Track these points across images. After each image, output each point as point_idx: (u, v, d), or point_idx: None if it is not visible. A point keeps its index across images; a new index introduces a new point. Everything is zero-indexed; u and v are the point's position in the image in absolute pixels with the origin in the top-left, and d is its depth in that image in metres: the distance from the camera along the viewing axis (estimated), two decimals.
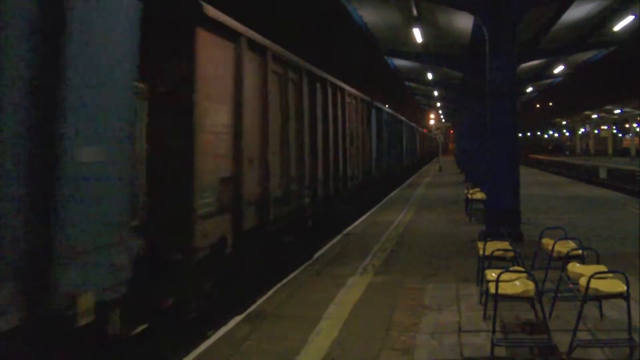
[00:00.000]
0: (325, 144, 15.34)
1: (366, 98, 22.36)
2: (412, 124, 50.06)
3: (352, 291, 9.37)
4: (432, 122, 76.47)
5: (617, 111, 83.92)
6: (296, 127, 12.68)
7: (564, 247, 8.23)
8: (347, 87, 18.46)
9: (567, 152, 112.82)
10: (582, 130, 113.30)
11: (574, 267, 7.15)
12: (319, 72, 14.61)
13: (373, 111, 24.23)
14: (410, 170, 45.27)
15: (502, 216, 13.12)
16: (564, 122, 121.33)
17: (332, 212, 16.31)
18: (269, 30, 12.31)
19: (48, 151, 4.77)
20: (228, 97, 8.91)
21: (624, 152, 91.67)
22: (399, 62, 31.20)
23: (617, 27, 20.80)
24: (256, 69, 10.18)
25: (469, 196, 18.17)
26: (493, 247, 8.47)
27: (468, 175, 33.29)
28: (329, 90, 15.78)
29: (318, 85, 14.68)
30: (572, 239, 8.58)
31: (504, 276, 6.51)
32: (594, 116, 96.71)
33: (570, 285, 6.97)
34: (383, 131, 26.98)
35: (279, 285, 9.97)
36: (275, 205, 10.87)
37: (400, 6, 19.11)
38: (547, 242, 8.73)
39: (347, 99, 18.44)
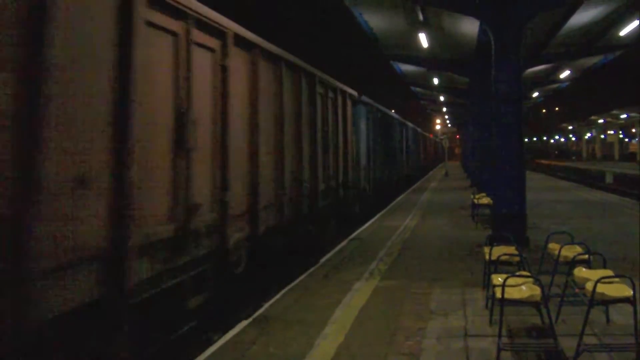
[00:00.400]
0: (279, 150, 10.84)
1: (350, 91, 17.69)
2: (414, 126, 46.79)
3: (359, 296, 9.38)
4: (438, 127, 76.54)
5: (624, 116, 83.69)
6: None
7: (570, 251, 8.23)
8: (321, 74, 13.95)
9: (573, 157, 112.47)
10: (589, 135, 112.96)
11: (581, 272, 7.14)
12: (263, 42, 10.01)
13: (361, 108, 19.63)
14: (411, 179, 40.39)
15: (508, 221, 13.13)
16: (570, 127, 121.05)
17: (290, 245, 11.55)
18: (264, 31, 11.63)
19: None
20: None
21: (630, 157, 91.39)
22: (405, 67, 31.22)
23: (623, 32, 20.81)
24: None
25: (475, 201, 18.17)
26: (499, 251, 8.48)
27: (474, 180, 33.25)
28: (287, 73, 11.35)
29: (263, 63, 10.00)
30: (578, 243, 8.58)
31: (510, 281, 6.52)
32: (600, 121, 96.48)
33: (577, 290, 6.97)
34: (374, 134, 22.73)
35: (285, 289, 9.98)
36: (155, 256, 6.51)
37: (406, 11, 19.13)
38: (554, 246, 8.73)
39: (320, 89, 13.89)
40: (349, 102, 17.43)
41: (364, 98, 20.28)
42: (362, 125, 20.06)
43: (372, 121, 22.11)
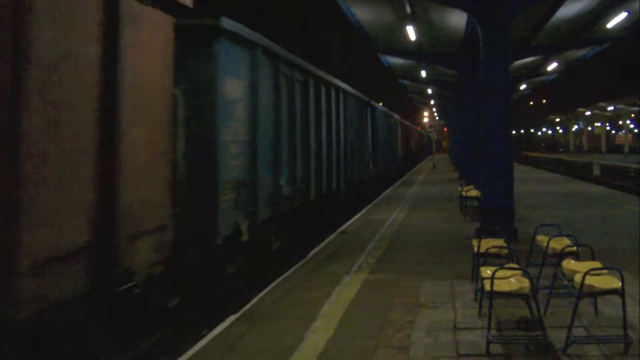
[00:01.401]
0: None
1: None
2: (390, 113, 35.80)
3: (348, 289, 9.36)
4: (426, 119, 76.61)
5: (611, 108, 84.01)
6: None
7: (559, 243, 8.25)
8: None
9: (561, 149, 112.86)
10: (576, 127, 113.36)
11: (569, 264, 7.16)
12: None
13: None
14: (387, 179, 31.94)
15: (496, 213, 13.14)
16: (558, 119, 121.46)
17: None
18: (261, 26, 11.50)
19: None
20: None
21: (617, 149, 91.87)
22: (393, 60, 31.17)
23: (611, 24, 20.83)
24: None
25: (463, 194, 18.18)
26: (488, 244, 8.48)
27: (462, 173, 33.33)
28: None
29: None
30: (566, 235, 8.60)
31: (499, 273, 6.51)
32: (588, 113, 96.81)
33: (565, 282, 6.99)
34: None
35: (274, 283, 9.96)
36: None
37: (394, 4, 19.09)
38: (542, 239, 8.75)
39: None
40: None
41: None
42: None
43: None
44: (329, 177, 16.75)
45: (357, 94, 22.11)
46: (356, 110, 22.07)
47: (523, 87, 44.88)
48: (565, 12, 19.45)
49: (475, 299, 8.30)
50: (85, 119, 5.35)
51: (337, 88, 18.10)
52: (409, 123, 58.00)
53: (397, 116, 40.91)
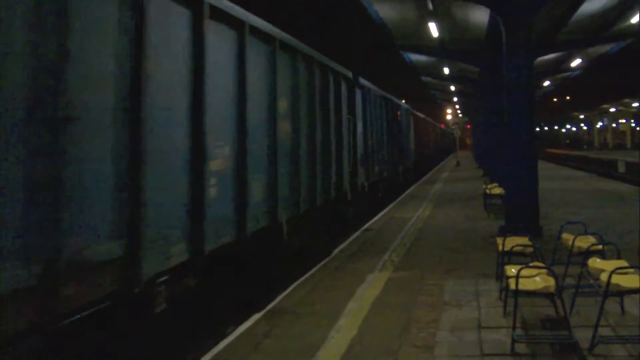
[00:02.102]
0: None
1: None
2: (396, 101, 27.25)
3: (372, 287, 9.37)
4: (449, 117, 76.36)
5: (636, 104, 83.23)
6: None
7: (584, 242, 8.19)
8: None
9: (585, 146, 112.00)
10: (600, 123, 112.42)
11: (595, 263, 7.09)
12: None
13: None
14: (394, 187, 25.30)
15: (520, 211, 13.08)
16: (582, 116, 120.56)
17: None
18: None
19: None
20: None
21: None
22: (415, 57, 31.13)
23: (635, 19, 20.63)
24: None
25: (487, 191, 18.11)
26: (512, 242, 8.45)
27: (486, 171, 33.16)
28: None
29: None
30: (592, 233, 8.54)
31: (524, 272, 6.48)
32: (612, 109, 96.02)
33: (591, 281, 6.93)
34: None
35: (298, 281, 9.98)
36: None
37: (416, 0, 19.05)
38: (567, 237, 8.69)
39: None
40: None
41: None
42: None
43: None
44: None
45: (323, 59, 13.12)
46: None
47: (546, 83, 44.53)
48: (589, 7, 19.32)
49: (500, 298, 8.27)
50: None
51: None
52: (426, 117, 49.73)
53: (406, 105, 31.78)
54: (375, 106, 20.81)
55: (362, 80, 18.08)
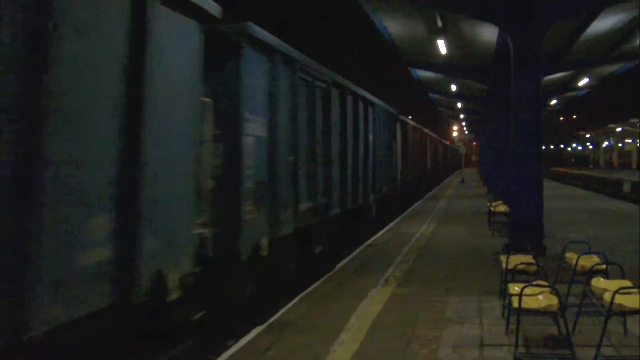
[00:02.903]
0: None
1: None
2: (388, 108, 21.81)
3: (374, 303, 9.36)
4: (455, 133, 76.43)
5: None
6: None
7: (588, 261, 8.18)
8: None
9: (591, 165, 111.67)
10: (606, 143, 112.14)
11: (598, 282, 7.09)
12: None
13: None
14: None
15: (525, 229, 13.05)
16: (588, 135, 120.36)
17: None
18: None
19: None
20: None
21: None
22: (423, 74, 31.17)
23: None
24: None
25: (492, 209, 18.08)
26: (516, 260, 8.44)
27: (491, 188, 33.12)
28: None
29: None
30: (595, 253, 8.52)
31: (527, 290, 6.48)
32: (619, 129, 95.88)
33: (594, 300, 6.92)
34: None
35: (300, 295, 9.98)
36: None
37: (425, 17, 19.11)
38: (571, 256, 8.68)
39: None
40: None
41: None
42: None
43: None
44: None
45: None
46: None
47: (553, 102, 44.54)
48: (597, 27, 19.34)
49: (503, 316, 8.25)
50: None
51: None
52: (429, 131, 44.01)
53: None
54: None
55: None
